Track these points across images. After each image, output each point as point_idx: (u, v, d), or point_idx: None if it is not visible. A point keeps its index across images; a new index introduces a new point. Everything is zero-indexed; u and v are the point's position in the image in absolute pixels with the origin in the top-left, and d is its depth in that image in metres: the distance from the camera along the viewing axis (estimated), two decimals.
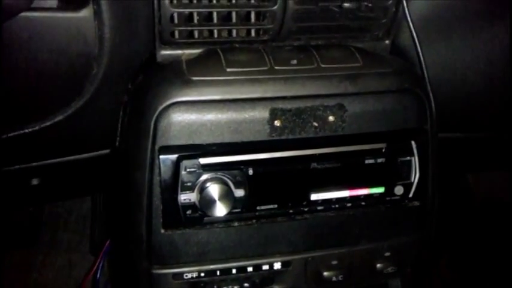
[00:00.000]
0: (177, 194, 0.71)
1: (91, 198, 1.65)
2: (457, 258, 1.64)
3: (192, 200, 0.71)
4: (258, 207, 0.74)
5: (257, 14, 0.74)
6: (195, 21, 0.73)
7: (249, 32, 0.76)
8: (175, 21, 0.72)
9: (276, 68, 0.73)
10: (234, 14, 0.73)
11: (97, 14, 0.66)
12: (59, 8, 0.65)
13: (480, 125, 0.97)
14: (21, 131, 0.72)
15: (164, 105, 0.68)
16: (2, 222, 1.43)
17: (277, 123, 0.71)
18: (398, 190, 0.79)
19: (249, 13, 0.74)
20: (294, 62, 0.74)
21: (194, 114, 0.69)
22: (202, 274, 0.75)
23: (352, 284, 0.83)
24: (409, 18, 0.77)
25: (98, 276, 1.31)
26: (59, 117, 0.72)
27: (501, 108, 0.93)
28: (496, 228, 1.60)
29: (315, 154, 0.74)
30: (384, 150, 0.77)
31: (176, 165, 0.70)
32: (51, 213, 1.69)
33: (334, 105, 0.73)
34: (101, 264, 1.30)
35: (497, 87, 0.88)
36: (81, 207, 1.71)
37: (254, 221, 0.75)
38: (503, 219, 1.59)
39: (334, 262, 0.80)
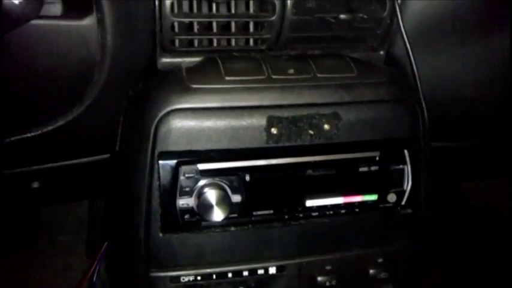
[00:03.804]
0: (175, 199, 0.72)
1: (88, 202, 1.66)
2: (451, 267, 1.64)
3: (190, 205, 0.72)
4: (254, 213, 0.75)
5: (255, 24, 0.76)
6: (195, 30, 0.74)
7: (247, 41, 0.78)
8: (176, 29, 0.73)
9: (273, 77, 0.74)
10: (233, 24, 0.75)
11: (100, 22, 0.67)
12: (63, 16, 0.66)
13: (474, 134, 0.98)
14: (24, 135, 0.73)
15: (164, 111, 0.70)
16: (0, 224, 1.44)
17: (274, 130, 0.72)
18: (391, 198, 0.80)
19: (247, 23, 0.76)
20: (291, 71, 0.75)
21: (193, 121, 0.70)
22: (199, 277, 0.76)
23: None
24: (403, 30, 0.78)
25: (94, 279, 1.32)
26: (61, 122, 0.73)
27: (495, 118, 0.94)
28: (490, 236, 1.61)
29: (311, 161, 0.76)
30: (377, 158, 0.78)
31: (175, 170, 0.71)
32: (49, 216, 1.69)
33: (330, 114, 0.74)
34: (97, 268, 1.31)
35: (491, 98, 0.90)
36: (78, 211, 1.71)
37: (250, 226, 0.76)
38: (497, 227, 1.60)
39: (328, 267, 0.81)
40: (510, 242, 1.51)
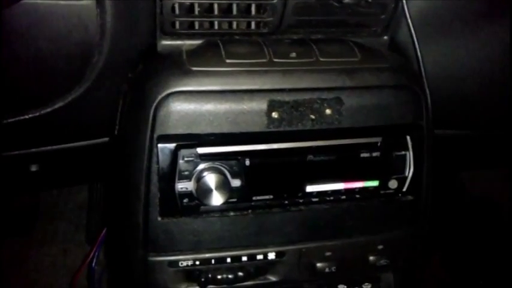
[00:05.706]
0: (174, 183, 0.71)
1: (88, 187, 1.66)
2: (450, 257, 1.65)
3: (189, 189, 0.72)
4: (254, 198, 0.75)
5: (257, 7, 0.75)
6: (196, 12, 0.73)
7: (249, 24, 0.77)
8: (177, 11, 0.72)
9: (275, 60, 0.73)
10: (234, 6, 0.74)
11: (99, 2, 0.66)
12: None
13: (476, 122, 0.98)
14: (22, 117, 0.73)
15: (164, 94, 0.69)
16: None
17: (274, 115, 0.72)
18: (393, 184, 0.80)
19: (249, 6, 0.75)
20: (293, 55, 0.75)
21: (193, 104, 0.70)
22: (197, 262, 0.76)
23: (344, 276, 0.84)
24: (407, 15, 0.77)
25: (94, 264, 1.32)
26: (59, 104, 0.73)
27: (498, 106, 0.93)
28: (489, 227, 1.61)
29: (311, 146, 0.75)
30: (379, 144, 0.78)
31: (174, 154, 0.71)
32: (48, 203, 1.69)
33: (332, 99, 0.74)
34: (96, 253, 1.31)
35: (495, 86, 0.89)
36: (77, 197, 1.72)
37: (250, 211, 0.76)
38: (496, 218, 1.60)
39: (328, 254, 0.81)
40: (509, 231, 1.51)
